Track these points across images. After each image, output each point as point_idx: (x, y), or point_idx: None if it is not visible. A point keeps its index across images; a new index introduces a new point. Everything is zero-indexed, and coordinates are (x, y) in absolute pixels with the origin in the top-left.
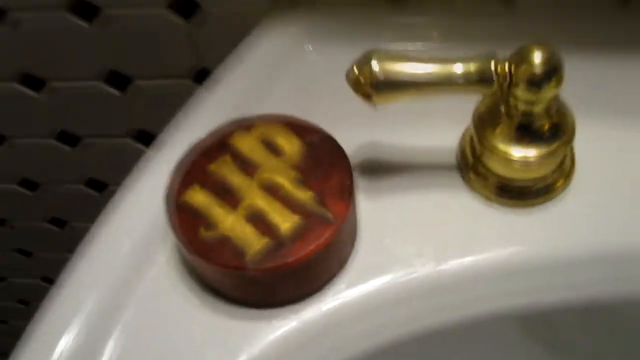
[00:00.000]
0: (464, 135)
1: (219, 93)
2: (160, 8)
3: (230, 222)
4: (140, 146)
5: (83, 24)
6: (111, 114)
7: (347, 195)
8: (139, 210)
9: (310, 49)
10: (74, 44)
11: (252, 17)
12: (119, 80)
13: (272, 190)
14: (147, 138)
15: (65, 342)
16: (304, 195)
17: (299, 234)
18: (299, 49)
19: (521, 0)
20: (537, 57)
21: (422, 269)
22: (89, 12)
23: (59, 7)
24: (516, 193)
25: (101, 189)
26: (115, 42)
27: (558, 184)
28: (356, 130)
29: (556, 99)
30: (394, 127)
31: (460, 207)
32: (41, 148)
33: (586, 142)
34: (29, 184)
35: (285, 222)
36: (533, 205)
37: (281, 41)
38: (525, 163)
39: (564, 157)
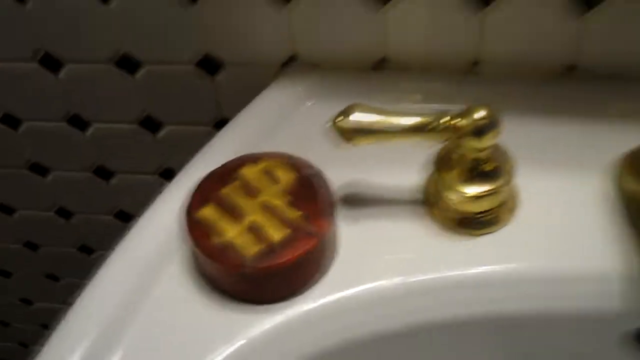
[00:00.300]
0: (428, 176)
1: (234, 135)
2: (190, 65)
3: (234, 232)
4: (166, 182)
5: (127, 75)
6: (143, 154)
7: (329, 216)
8: (160, 226)
9: (311, 104)
10: (116, 91)
11: (266, 77)
12: (152, 124)
13: (269, 210)
14: (172, 175)
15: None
16: (294, 214)
17: (288, 243)
18: (302, 103)
19: (484, 68)
20: (479, 115)
21: (389, 282)
22: (131, 66)
23: (107, 61)
24: (469, 224)
25: (128, 220)
26: (151, 92)
27: (504, 217)
28: (343, 168)
29: (497, 146)
30: (373, 167)
31: (423, 234)
32: (79, 180)
33: (530, 185)
34: (64, 213)
35: (277, 233)
36: (483, 234)
37: (288, 97)
38: (475, 199)
39: (508, 194)
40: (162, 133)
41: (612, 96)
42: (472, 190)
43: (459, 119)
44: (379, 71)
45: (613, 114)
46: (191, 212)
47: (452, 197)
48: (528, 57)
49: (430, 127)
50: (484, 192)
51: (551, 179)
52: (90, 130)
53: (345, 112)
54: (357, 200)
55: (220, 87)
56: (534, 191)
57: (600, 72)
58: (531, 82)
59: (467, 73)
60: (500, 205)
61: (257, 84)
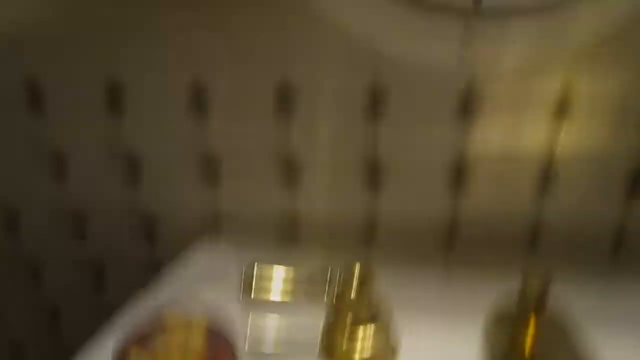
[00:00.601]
0: (324, 322)
1: (163, 286)
2: (134, 224)
3: None
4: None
5: (77, 231)
6: (91, 296)
7: (234, 357)
8: None
9: (231, 260)
10: (69, 246)
11: (198, 236)
12: (96, 268)
13: (185, 350)
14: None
15: None
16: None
17: None
18: (223, 261)
19: (381, 231)
20: (356, 270)
21: None
22: (81, 219)
23: (63, 216)
24: None
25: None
26: (100, 242)
27: (387, 358)
28: (253, 313)
29: (372, 298)
30: (281, 312)
31: None
32: (31, 320)
33: (410, 330)
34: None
35: None
36: None
37: (210, 255)
38: (358, 341)
39: (389, 338)
40: (106, 277)
41: (489, 260)
42: (354, 334)
43: (340, 274)
44: (292, 231)
45: (489, 273)
46: (119, 356)
47: (339, 341)
48: (417, 225)
49: (316, 281)
50: (365, 336)
51: (430, 324)
52: (44, 276)
53: (249, 268)
54: (264, 342)
55: (158, 240)
56: (414, 335)
57: (478, 239)
58: (422, 245)
59: (367, 234)
60: (382, 347)
61: (190, 239)
